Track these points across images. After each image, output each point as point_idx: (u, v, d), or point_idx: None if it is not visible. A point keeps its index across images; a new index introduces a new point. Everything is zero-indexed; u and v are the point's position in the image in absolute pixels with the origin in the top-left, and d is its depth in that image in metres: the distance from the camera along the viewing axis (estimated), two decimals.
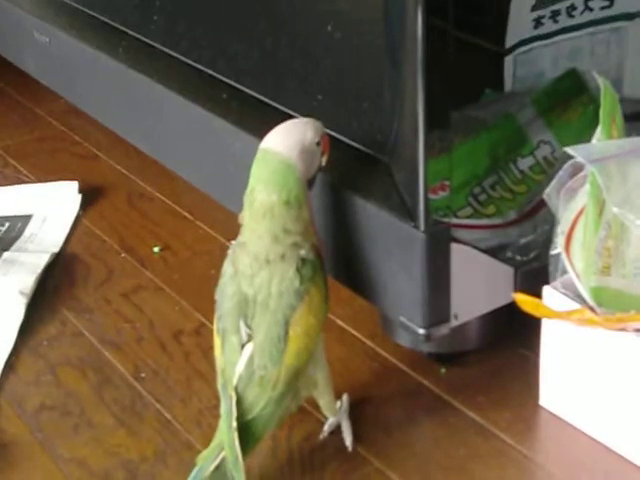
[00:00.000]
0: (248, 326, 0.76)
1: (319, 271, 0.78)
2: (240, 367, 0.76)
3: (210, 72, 1.03)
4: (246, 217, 0.78)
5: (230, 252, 0.79)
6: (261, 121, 0.96)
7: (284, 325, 0.75)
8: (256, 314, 0.76)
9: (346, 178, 0.85)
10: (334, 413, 0.82)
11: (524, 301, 0.75)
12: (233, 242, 0.79)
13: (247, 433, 0.75)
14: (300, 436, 0.83)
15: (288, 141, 0.78)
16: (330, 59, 0.88)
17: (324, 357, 0.80)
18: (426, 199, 0.77)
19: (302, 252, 0.77)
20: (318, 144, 0.79)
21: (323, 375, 0.80)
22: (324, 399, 0.81)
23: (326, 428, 0.83)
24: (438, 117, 0.77)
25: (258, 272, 0.76)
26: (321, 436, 0.83)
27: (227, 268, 0.79)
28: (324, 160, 0.81)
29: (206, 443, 0.82)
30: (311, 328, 0.76)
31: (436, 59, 0.74)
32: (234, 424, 0.74)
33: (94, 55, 1.18)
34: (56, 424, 0.87)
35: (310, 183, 0.80)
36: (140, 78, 1.10)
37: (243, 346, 0.76)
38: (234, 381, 0.76)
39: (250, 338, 0.76)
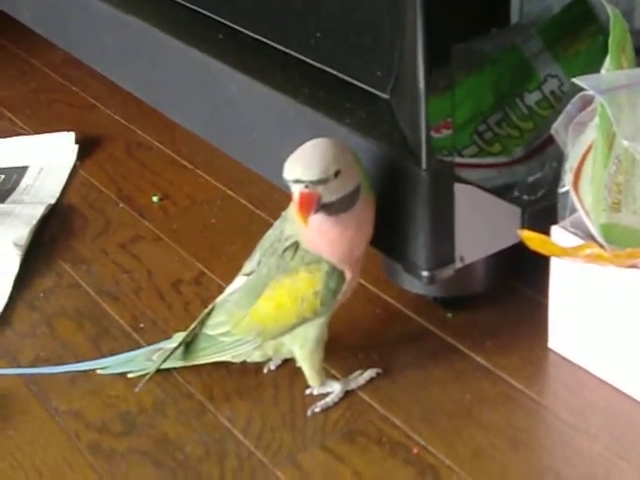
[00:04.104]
0: (259, 262, 0.78)
1: (327, 271, 0.75)
2: (228, 290, 0.81)
3: (205, 12, 1.00)
4: None
5: None
6: (258, 62, 0.93)
7: (263, 284, 0.77)
8: (267, 258, 0.77)
9: (347, 116, 0.83)
10: (318, 385, 0.80)
11: (530, 238, 0.72)
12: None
13: (201, 345, 0.81)
14: (302, 384, 0.80)
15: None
16: None
17: (314, 341, 0.78)
18: (428, 136, 0.75)
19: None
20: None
21: (303, 354, 0.78)
22: (305, 371, 0.80)
23: (329, 399, 0.80)
24: (439, 51, 0.74)
25: (285, 225, 0.77)
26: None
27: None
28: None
29: (206, 392, 0.82)
30: (282, 305, 0.76)
31: None
32: (192, 325, 0.80)
33: (87, 0, 1.15)
34: (52, 376, 0.85)
35: None
36: (134, 22, 1.07)
37: (247, 275, 0.79)
38: (219, 297, 0.81)
39: (252, 273, 0.78)
